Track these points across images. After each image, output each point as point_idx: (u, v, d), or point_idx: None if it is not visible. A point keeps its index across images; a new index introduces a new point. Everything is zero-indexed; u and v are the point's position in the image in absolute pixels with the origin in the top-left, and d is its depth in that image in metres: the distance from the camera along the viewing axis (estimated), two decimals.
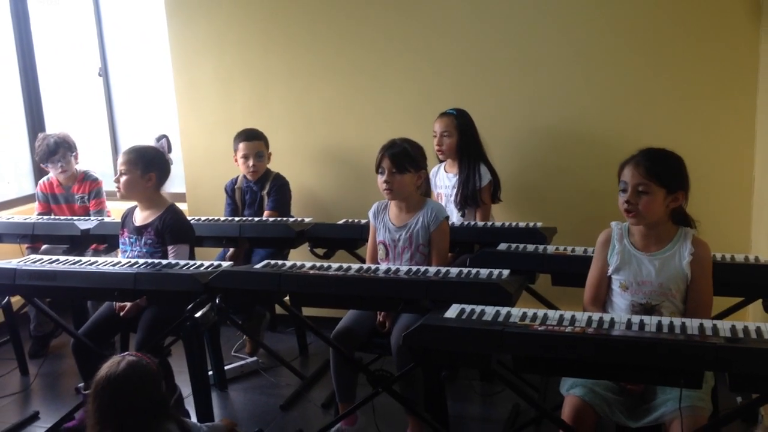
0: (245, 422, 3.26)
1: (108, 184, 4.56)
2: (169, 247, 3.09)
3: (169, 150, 3.28)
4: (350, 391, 2.90)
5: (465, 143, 3.53)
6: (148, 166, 3.11)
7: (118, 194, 3.17)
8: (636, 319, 1.98)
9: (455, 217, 3.56)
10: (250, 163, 3.88)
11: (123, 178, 3.10)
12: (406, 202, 2.96)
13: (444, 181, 3.63)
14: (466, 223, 3.46)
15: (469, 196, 3.50)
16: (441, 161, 3.67)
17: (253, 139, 3.89)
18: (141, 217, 3.18)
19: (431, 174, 3.66)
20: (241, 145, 3.89)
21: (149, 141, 3.27)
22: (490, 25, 3.74)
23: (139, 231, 3.15)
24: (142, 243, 3.14)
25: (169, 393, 2.92)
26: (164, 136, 3.30)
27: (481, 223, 3.42)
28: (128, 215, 3.24)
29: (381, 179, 2.90)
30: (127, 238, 3.20)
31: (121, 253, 3.27)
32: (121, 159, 3.13)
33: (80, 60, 4.91)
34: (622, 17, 3.53)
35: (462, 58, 3.81)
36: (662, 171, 2.27)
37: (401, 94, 3.96)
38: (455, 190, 3.54)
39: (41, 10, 4.92)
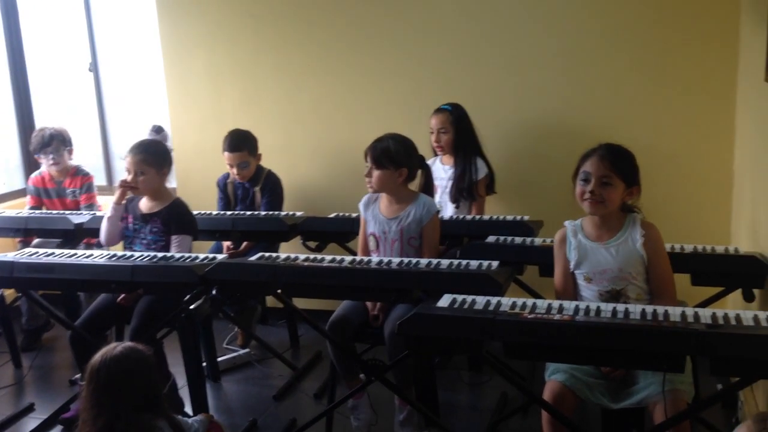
0: (239, 413, 3.33)
1: (99, 179, 4.59)
2: (174, 237, 3.17)
3: (168, 139, 3.35)
4: (353, 370, 2.96)
5: (461, 138, 3.59)
6: (163, 162, 3.22)
7: (133, 194, 3.24)
8: (621, 307, 2.06)
9: (449, 209, 3.62)
10: (235, 171, 3.92)
11: (141, 178, 3.16)
12: (394, 195, 3.02)
13: (440, 173, 3.68)
14: (455, 216, 3.53)
15: (464, 189, 3.57)
16: (437, 155, 3.72)
17: (235, 150, 3.86)
18: (148, 206, 3.25)
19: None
20: (225, 154, 3.89)
21: (145, 132, 3.33)
22: (477, 22, 3.82)
23: (146, 219, 3.23)
24: (147, 231, 3.22)
25: (163, 380, 2.97)
26: (161, 126, 3.36)
27: (470, 217, 3.49)
28: (132, 203, 3.30)
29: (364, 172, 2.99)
30: (131, 225, 3.27)
31: (124, 239, 3.31)
32: (133, 158, 3.17)
33: (70, 55, 4.92)
34: (606, 15, 3.63)
35: (449, 54, 3.89)
36: (624, 166, 2.41)
37: (390, 90, 4.02)
38: (451, 183, 3.61)
39: (30, 5, 4.92)
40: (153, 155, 3.19)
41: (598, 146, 2.45)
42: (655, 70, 3.60)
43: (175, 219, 3.19)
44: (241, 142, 3.87)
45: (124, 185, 3.22)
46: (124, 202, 3.28)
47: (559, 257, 2.55)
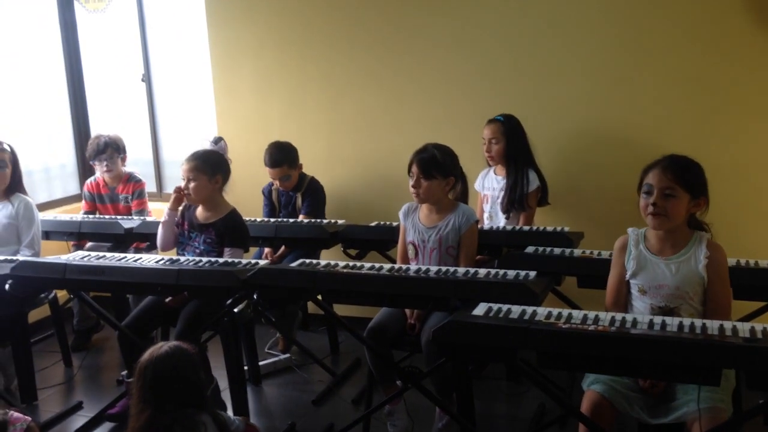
0: (278, 416, 3.39)
1: (150, 186, 4.73)
2: (227, 249, 3.23)
3: (227, 151, 3.43)
4: (390, 376, 3.00)
5: (513, 149, 3.59)
6: (215, 169, 3.27)
7: (187, 201, 3.31)
8: (658, 319, 2.04)
9: (501, 219, 3.64)
10: (278, 183, 4.03)
11: (192, 185, 3.23)
12: (436, 205, 3.04)
13: (492, 183, 3.71)
14: (494, 226, 3.54)
15: (516, 201, 3.57)
16: (490, 166, 3.75)
17: (274, 166, 3.94)
18: (204, 215, 3.32)
19: (480, 176, 3.75)
20: (267, 169, 3.99)
21: (204, 144, 3.41)
22: (524, 31, 3.84)
23: (201, 228, 3.29)
24: (201, 240, 3.29)
25: (207, 383, 3.06)
26: (221, 138, 3.44)
27: (509, 227, 3.50)
28: (190, 210, 3.37)
29: (410, 183, 3.01)
30: (186, 231, 3.35)
31: (178, 245, 3.39)
32: (186, 166, 3.25)
33: (124, 66, 5.09)
34: (654, 27, 3.60)
35: (497, 63, 3.91)
36: (688, 176, 2.34)
37: (435, 99, 4.06)
38: (502, 193, 3.62)
39: (88, 19, 5.11)
40: (204, 162, 3.25)
41: (662, 158, 2.39)
42: (700, 82, 3.56)
43: (229, 231, 3.26)
44: (280, 158, 3.95)
45: (177, 191, 3.31)
46: (180, 208, 3.37)
47: (617, 264, 2.51)
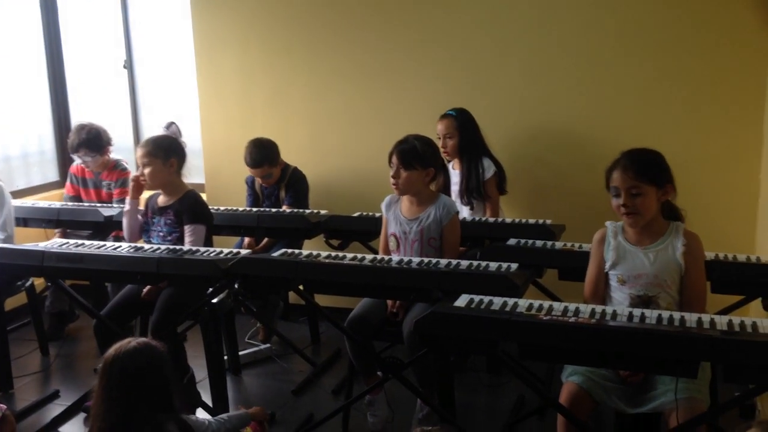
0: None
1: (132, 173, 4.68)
2: (186, 227, 3.21)
3: (180, 134, 3.41)
4: (371, 367, 3.00)
5: (466, 142, 3.64)
6: (168, 152, 3.25)
7: (145, 188, 3.30)
8: (637, 311, 2.06)
9: (464, 212, 3.65)
10: (260, 181, 4.04)
11: (147, 170, 3.22)
12: (417, 196, 3.04)
13: (453, 178, 3.71)
14: (476, 218, 3.55)
15: (473, 189, 3.61)
16: (448, 161, 3.76)
17: (256, 166, 3.93)
18: (163, 200, 3.32)
19: None
20: (249, 168, 3.99)
21: (159, 130, 3.40)
22: (510, 27, 3.85)
23: (161, 212, 3.29)
24: (162, 223, 3.28)
25: (179, 376, 3.01)
26: (173, 122, 3.41)
27: (492, 219, 3.51)
28: (152, 198, 3.38)
29: (390, 174, 3.00)
30: (150, 218, 3.35)
31: (144, 233, 3.39)
32: (139, 152, 3.25)
33: (106, 53, 5.03)
34: (628, 22, 3.63)
35: (481, 58, 3.91)
36: (650, 171, 2.38)
37: (419, 91, 4.05)
38: (460, 185, 3.64)
39: (70, 4, 5.04)
40: (157, 147, 3.23)
41: (620, 156, 2.42)
42: (679, 78, 3.59)
43: (187, 209, 3.24)
44: (260, 158, 3.93)
45: (135, 180, 3.31)
46: (141, 197, 3.36)
47: (596, 256, 2.54)
